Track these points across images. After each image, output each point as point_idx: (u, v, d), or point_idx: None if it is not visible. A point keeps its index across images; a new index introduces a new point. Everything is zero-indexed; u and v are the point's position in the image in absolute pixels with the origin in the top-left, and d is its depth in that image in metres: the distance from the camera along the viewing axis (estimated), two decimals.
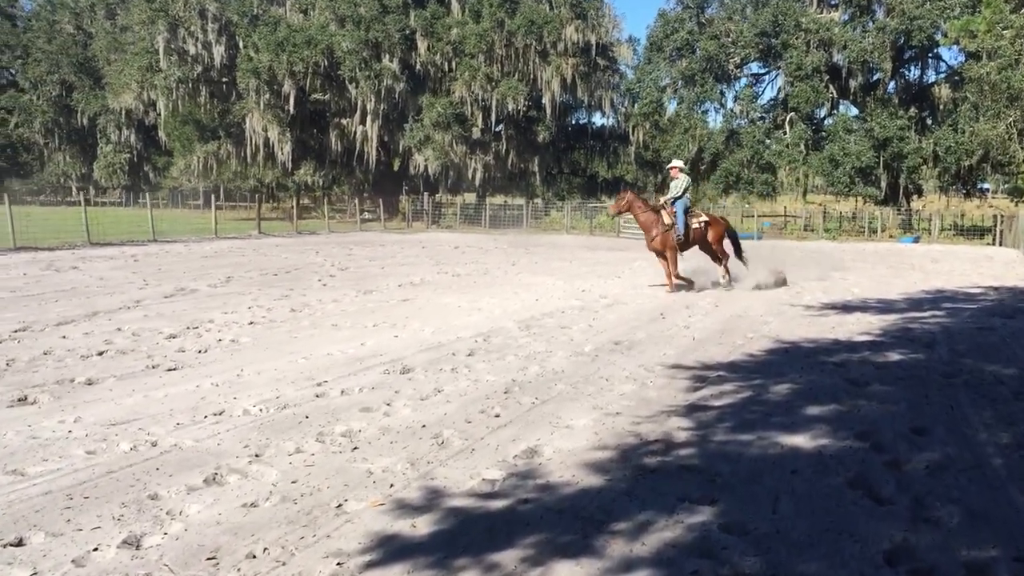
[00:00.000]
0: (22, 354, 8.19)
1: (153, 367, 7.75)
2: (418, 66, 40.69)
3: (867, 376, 7.50)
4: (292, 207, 35.24)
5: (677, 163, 15.93)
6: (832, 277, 18.31)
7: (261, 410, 6.15)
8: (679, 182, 15.44)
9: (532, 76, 41.77)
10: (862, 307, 12.87)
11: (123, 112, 49.93)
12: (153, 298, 12.75)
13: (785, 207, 49.07)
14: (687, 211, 15.46)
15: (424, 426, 5.76)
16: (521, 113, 43.31)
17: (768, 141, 40.69)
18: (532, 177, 47.20)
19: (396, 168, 45.71)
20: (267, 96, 38.69)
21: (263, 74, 37.89)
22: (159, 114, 44.14)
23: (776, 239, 37.37)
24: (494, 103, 40.26)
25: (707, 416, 6.04)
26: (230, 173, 51.21)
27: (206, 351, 8.63)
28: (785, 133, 39.49)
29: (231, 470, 4.77)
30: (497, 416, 6.05)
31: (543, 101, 42.72)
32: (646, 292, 14.76)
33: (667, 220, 15.20)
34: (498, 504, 4.28)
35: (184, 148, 45.34)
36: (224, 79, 42.50)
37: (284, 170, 42.06)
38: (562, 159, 52.54)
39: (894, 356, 8.55)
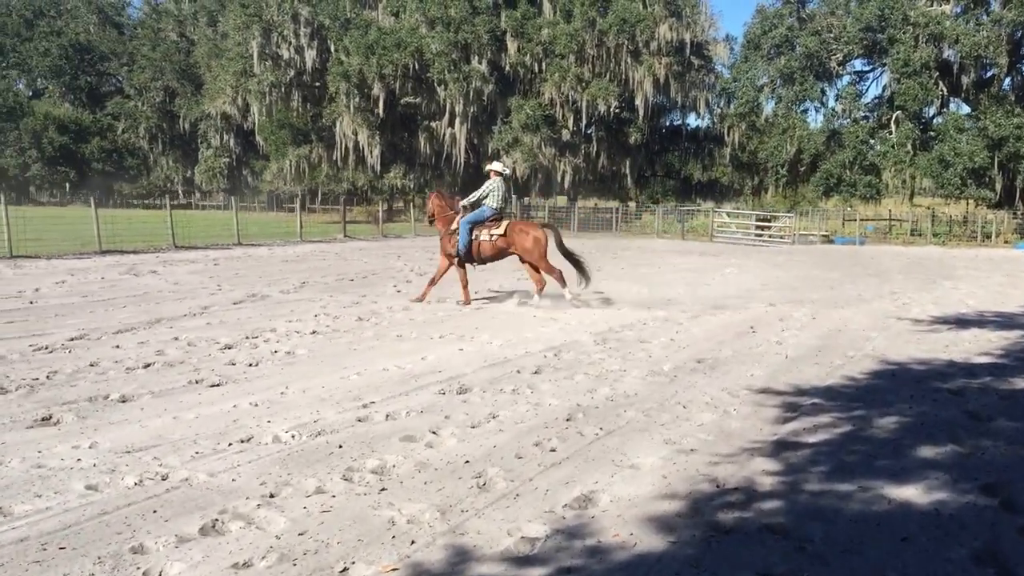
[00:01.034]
0: (67, 365, 7.83)
1: (197, 382, 7.27)
2: (507, 67, 40.17)
3: (990, 409, 6.46)
4: (378, 210, 35.06)
5: (495, 165, 13.89)
6: (942, 286, 16.90)
7: (293, 436, 5.56)
8: (486, 186, 13.42)
9: (624, 76, 40.78)
10: (978, 322, 11.64)
11: (222, 117, 51.09)
12: (221, 305, 12.42)
13: (890, 210, 46.67)
14: (490, 221, 13.19)
15: (468, 462, 5.05)
16: (612, 114, 42.36)
17: (872, 141, 38.75)
18: (623, 180, 46.21)
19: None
20: (357, 99, 38.74)
21: (353, 77, 37.94)
22: (255, 119, 44.84)
23: (880, 244, 35.49)
24: (584, 104, 39.42)
25: (798, 457, 5.17)
26: (323, 177, 51.76)
27: (257, 364, 8.12)
28: (891, 133, 37.48)
29: (236, 515, 4.15)
30: (553, 451, 5.30)
31: (636, 102, 41.68)
32: (735, 302, 13.76)
33: (454, 226, 13.41)
34: (535, 574, 3.54)
35: (278, 152, 45.87)
36: (316, 83, 42.81)
37: (374, 173, 42.05)
38: (655, 161, 51.33)
39: (1021, 383, 7.45)
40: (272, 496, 4.44)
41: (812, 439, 5.58)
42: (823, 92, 40.50)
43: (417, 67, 39.27)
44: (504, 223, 13.23)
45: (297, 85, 42.20)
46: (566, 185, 41.18)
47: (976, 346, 9.48)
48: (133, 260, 18.92)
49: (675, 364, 8.33)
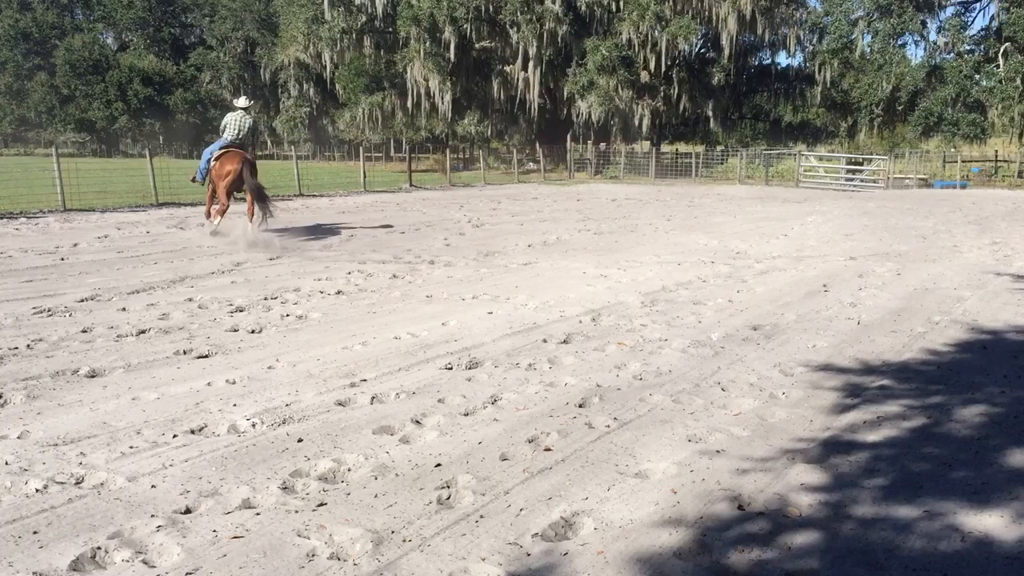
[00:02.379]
0: (58, 331, 7.23)
1: (185, 352, 6.57)
2: (583, 6, 38.51)
3: None
4: (445, 159, 34.19)
5: (237, 101, 14.87)
6: None
7: (254, 425, 4.78)
8: (224, 119, 14.65)
9: (707, 14, 38.74)
10: None
11: (301, 66, 50.72)
12: (256, 261, 11.79)
13: (996, 151, 43.58)
14: (220, 151, 14.08)
15: (439, 465, 4.19)
16: (695, 54, 40.42)
17: (977, 76, 36.02)
18: (707, 123, 44.24)
19: (562, 116, 43.92)
20: (428, 44, 37.73)
21: (424, 21, 36.88)
22: (328, 67, 44.27)
23: (984, 188, 33.04)
24: (664, 44, 37.57)
25: (851, 463, 4.14)
26: (400, 125, 51.10)
27: (260, 331, 7.39)
28: (998, 67, 34.72)
29: (126, 542, 3.37)
30: (548, 450, 4.39)
31: (720, 40, 39.61)
32: (811, 255, 12.50)
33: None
34: None
35: (352, 100, 45.34)
36: (388, 29, 41.93)
37: (445, 120, 41.16)
38: (743, 103, 48.97)
39: None
40: (186, 512, 3.66)
41: (872, 437, 4.53)
42: (924, 24, 37.81)
43: (490, 8, 38.01)
44: (224, 153, 14.05)
45: (369, 31, 41.38)
46: (644, 129, 39.49)
47: None
48: (187, 213, 18.51)
49: (726, 332, 7.29)
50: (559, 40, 38.04)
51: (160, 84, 65.58)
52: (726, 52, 39.78)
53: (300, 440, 4.55)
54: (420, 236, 15.09)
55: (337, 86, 53.23)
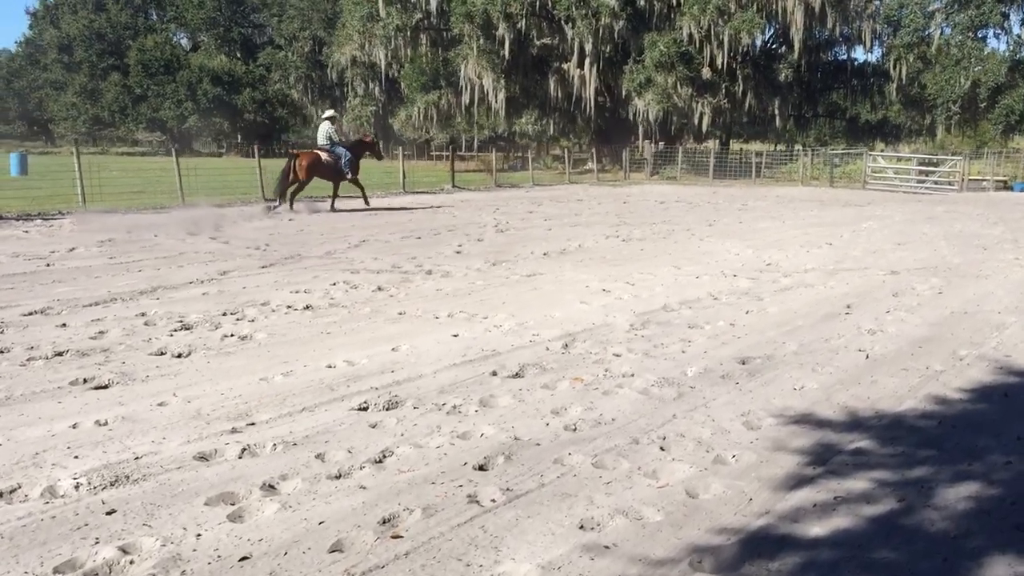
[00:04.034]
0: None
1: (85, 381, 5.88)
2: (641, 1, 37.24)
3: None
4: (491, 159, 33.35)
5: (324, 113, 21.44)
6: None
7: (77, 487, 4.03)
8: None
9: (773, 7, 37.09)
10: None
11: (368, 66, 50.42)
12: (245, 269, 11.16)
13: None
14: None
15: (246, 558, 3.35)
16: (760, 50, 38.82)
17: None
18: (773, 121, 42.47)
19: (621, 115, 42.71)
20: (482, 41, 36.95)
21: (477, 18, 36.09)
22: (387, 65, 43.86)
23: None
24: (727, 39, 36.05)
25: (769, 574, 3.17)
26: (463, 124, 50.51)
27: (188, 355, 6.68)
28: None
29: None
30: (396, 537, 3.52)
31: (790, 34, 37.87)
32: (850, 268, 11.33)
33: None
34: None
35: (411, 99, 44.87)
36: (443, 27, 41.32)
37: (497, 118, 40.35)
38: (818, 101, 46.92)
39: None
40: None
41: (816, 529, 3.54)
42: (1005, 16, 35.42)
43: (547, 4, 37.06)
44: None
45: (424, 28, 40.85)
46: (704, 128, 38.02)
47: None
48: (211, 215, 18.07)
49: (706, 366, 6.29)
50: (616, 36, 36.86)
51: (229, 84, 66.30)
52: (797, 47, 38.05)
53: (111, 512, 3.77)
54: (435, 242, 14.31)
55: (402, 84, 52.89)
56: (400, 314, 8.36)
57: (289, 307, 8.68)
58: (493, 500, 3.88)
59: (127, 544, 3.44)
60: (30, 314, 8.19)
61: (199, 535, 3.54)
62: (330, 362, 6.44)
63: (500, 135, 55.79)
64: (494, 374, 6.12)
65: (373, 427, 4.96)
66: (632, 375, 6.05)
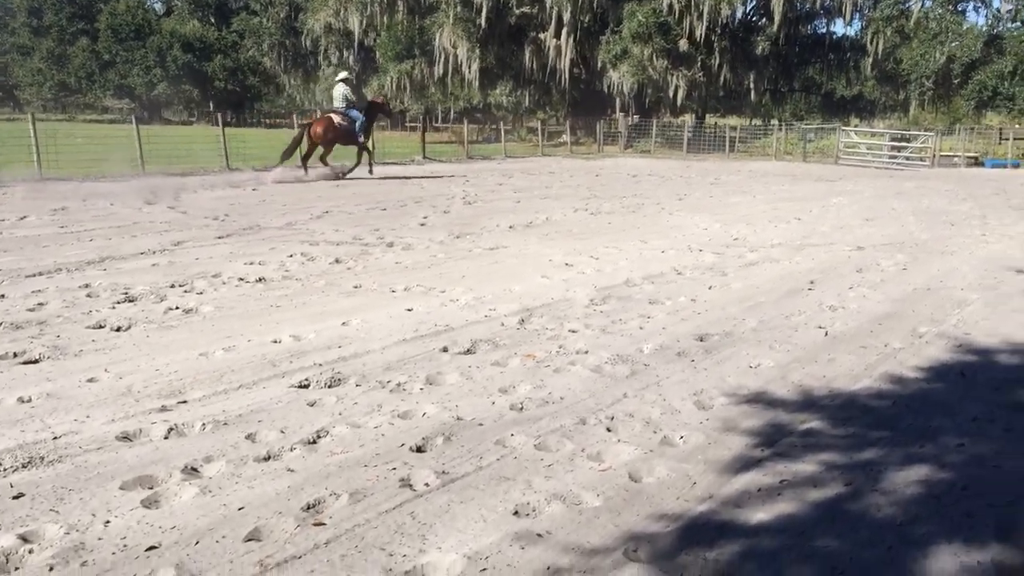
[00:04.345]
0: None
1: (15, 355, 5.64)
2: None
3: None
4: (463, 130, 32.98)
5: (338, 75, 20.99)
6: None
7: None
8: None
9: None
10: None
11: (344, 34, 49.54)
12: (199, 240, 10.87)
13: None
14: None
15: (153, 548, 3.15)
16: (739, 21, 38.50)
17: None
18: (749, 95, 42.27)
19: (597, 88, 42.36)
20: (458, 8, 36.40)
21: None
22: (359, 33, 43.20)
23: None
24: (707, 9, 35.73)
25: (704, 564, 3.02)
26: (438, 95, 49.92)
27: (128, 328, 6.43)
28: None
29: None
30: (319, 525, 3.34)
31: (771, 4, 37.54)
32: (816, 243, 11.22)
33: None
34: None
35: (384, 69, 44.26)
36: None
37: (470, 89, 39.89)
38: (794, 75, 46.70)
39: None
40: None
41: (759, 515, 3.40)
42: None
43: None
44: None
45: None
46: (679, 101, 37.78)
47: None
48: (172, 184, 17.68)
49: (663, 343, 6.14)
50: (595, 5, 36.44)
51: (200, 50, 65.11)
52: (777, 19, 37.78)
53: (18, 496, 3.56)
54: (400, 214, 14.05)
55: (377, 54, 52.12)
56: (355, 287, 8.14)
57: (241, 279, 8.43)
58: (427, 484, 3.71)
59: (29, 532, 3.24)
60: None
61: (108, 522, 3.34)
62: (276, 337, 6.22)
63: (476, 107, 55.25)
64: (444, 350, 5.93)
65: (311, 405, 4.77)
66: (586, 352, 5.89)
